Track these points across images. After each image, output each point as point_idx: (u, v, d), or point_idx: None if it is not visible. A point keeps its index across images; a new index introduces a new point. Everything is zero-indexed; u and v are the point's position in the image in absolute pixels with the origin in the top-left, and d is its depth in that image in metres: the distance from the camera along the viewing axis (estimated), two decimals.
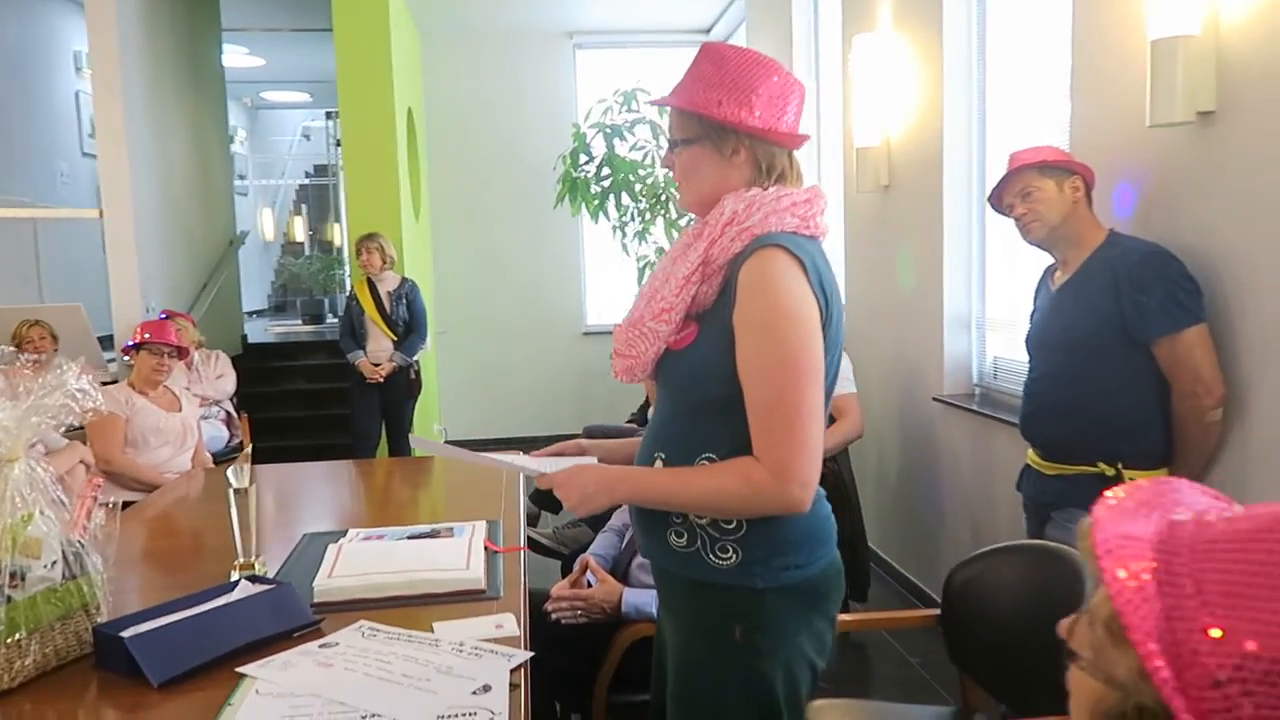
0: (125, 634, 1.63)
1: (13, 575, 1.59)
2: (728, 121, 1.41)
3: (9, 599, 1.58)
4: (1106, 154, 2.55)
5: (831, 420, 3.68)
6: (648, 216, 6.57)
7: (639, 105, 6.42)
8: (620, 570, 2.42)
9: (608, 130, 6.47)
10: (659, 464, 1.48)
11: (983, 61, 3.51)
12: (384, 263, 5.40)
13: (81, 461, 3.02)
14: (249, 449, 2.21)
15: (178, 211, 6.44)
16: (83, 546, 1.74)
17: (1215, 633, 0.59)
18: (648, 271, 6.58)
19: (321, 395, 7.39)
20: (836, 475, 3.61)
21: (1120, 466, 2.20)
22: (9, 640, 1.56)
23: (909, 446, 4.01)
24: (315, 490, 3.25)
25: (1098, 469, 2.24)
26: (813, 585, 1.45)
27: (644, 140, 6.54)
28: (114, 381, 4.47)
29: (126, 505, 3.09)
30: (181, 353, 3.82)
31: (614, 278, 7.54)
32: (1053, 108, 3.01)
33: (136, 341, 3.69)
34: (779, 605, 1.44)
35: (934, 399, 3.66)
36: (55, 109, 7.30)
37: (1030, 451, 2.45)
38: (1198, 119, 2.18)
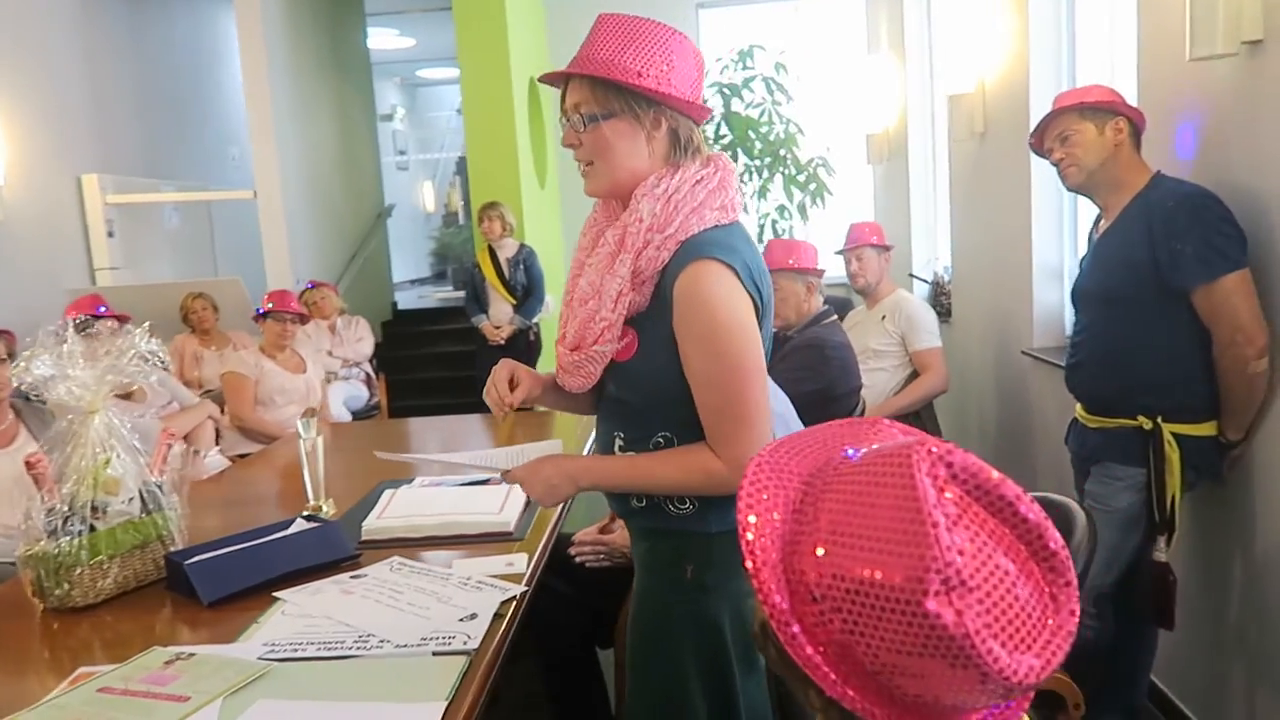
0: (187, 561, 1.90)
1: (95, 509, 1.89)
2: (652, 91, 1.37)
3: (92, 528, 1.87)
4: (1164, 91, 2.41)
5: (915, 374, 3.64)
6: (765, 174, 6.55)
7: (754, 62, 6.39)
8: None
9: (725, 90, 6.47)
10: (617, 443, 1.54)
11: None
12: (504, 230, 5.66)
13: (210, 416, 3.41)
14: (315, 408, 2.46)
15: (325, 189, 6.95)
16: (159, 487, 2.02)
17: (820, 551, 0.65)
18: (768, 230, 6.58)
19: (464, 357, 7.81)
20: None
21: (1160, 420, 2.12)
22: (92, 563, 1.85)
23: (1000, 401, 3.90)
24: (425, 443, 3.53)
25: (1137, 423, 2.16)
26: None
27: (761, 97, 6.50)
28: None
29: (242, 456, 3.47)
30: (304, 319, 4.20)
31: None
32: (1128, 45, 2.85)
33: (264, 310, 4.09)
34: (728, 546, 1.50)
35: (1023, 352, 3.55)
36: (225, 98, 7.98)
37: (1078, 405, 2.38)
38: (1244, 49, 2.04)
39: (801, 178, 6.48)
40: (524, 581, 1.85)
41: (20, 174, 5.56)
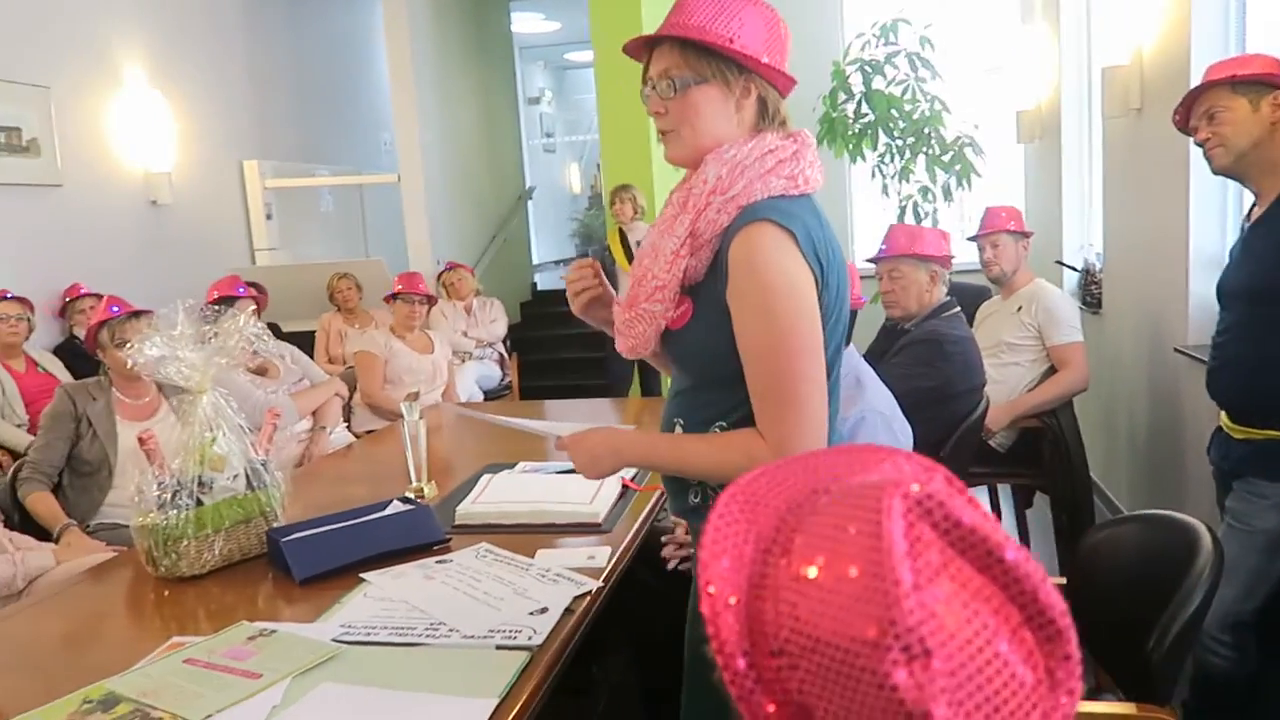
0: (283, 539, 1.97)
1: (202, 484, 1.98)
2: (745, 57, 1.33)
3: (199, 502, 1.97)
4: None
5: (1052, 370, 3.40)
6: (908, 155, 6.27)
7: (896, 37, 6.11)
8: None
9: (867, 67, 6.23)
10: (678, 429, 1.49)
11: None
12: (635, 213, 5.66)
13: (337, 394, 3.56)
14: (416, 391, 2.51)
15: (467, 172, 7.13)
16: (264, 465, 2.11)
17: (783, 601, 0.59)
18: (909, 212, 6.32)
19: (599, 338, 7.89)
20: (1055, 431, 3.35)
21: None
22: (197, 536, 1.95)
23: (1151, 403, 3.60)
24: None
25: None
26: None
27: (904, 74, 6.22)
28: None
29: (369, 432, 3.60)
30: (431, 300, 4.32)
31: (879, 218, 7.28)
32: None
33: (394, 292, 4.23)
34: None
35: (1176, 350, 3.25)
36: (377, 86, 8.29)
37: (1221, 413, 2.15)
38: None
39: (946, 158, 6.18)
40: (602, 577, 1.83)
41: (188, 160, 5.96)
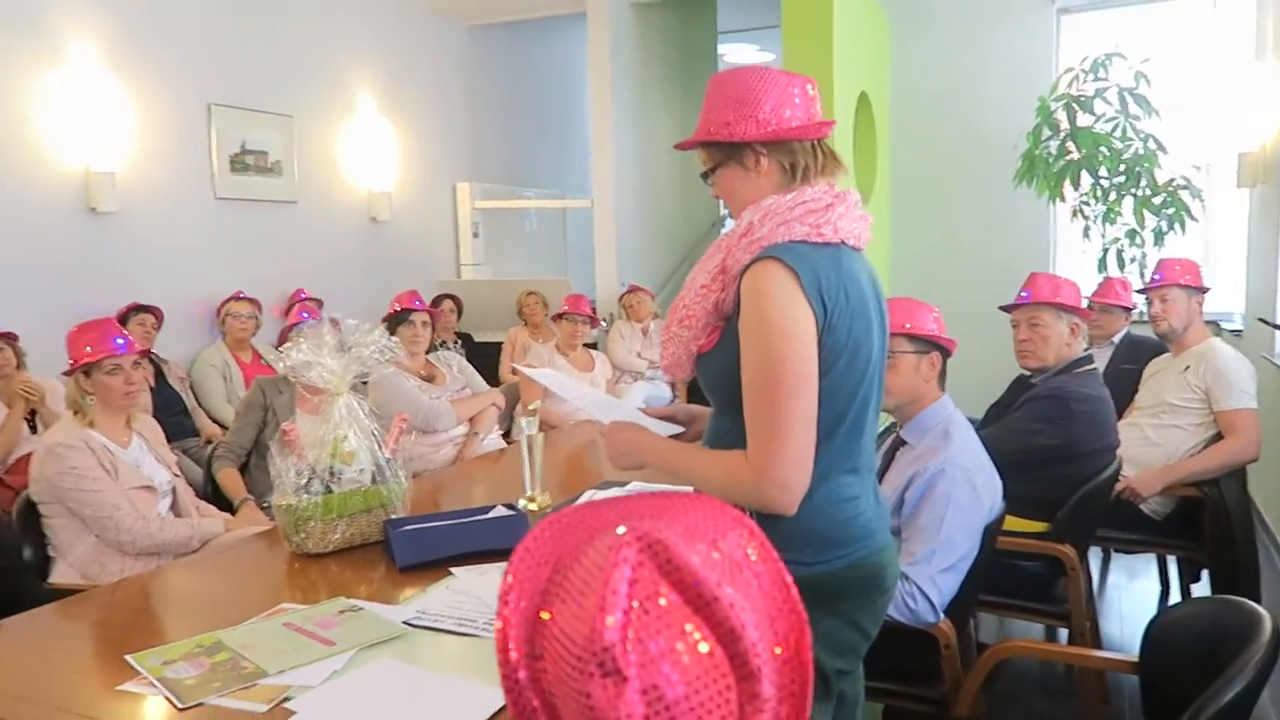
0: (394, 529, 2.22)
1: (332, 474, 2.27)
2: (739, 138, 1.49)
3: (329, 490, 2.26)
4: None
5: (1218, 437, 3.15)
6: (1113, 196, 5.92)
7: (1107, 71, 5.80)
8: None
9: (1073, 103, 5.95)
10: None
11: None
12: None
13: (494, 404, 3.85)
14: (536, 405, 2.71)
15: (658, 199, 7.40)
16: (389, 462, 2.37)
17: (545, 615, 0.70)
18: (1111, 256, 5.97)
19: None
20: (1216, 502, 3.10)
21: None
22: (324, 519, 2.23)
23: None
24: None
25: None
26: (819, 584, 1.47)
27: (1114, 111, 5.88)
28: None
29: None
30: (594, 321, 4.56)
31: (1082, 261, 6.88)
32: None
33: (561, 312, 4.51)
34: (823, 584, 1.48)
35: None
36: (585, 112, 8.76)
37: None
38: None
39: (1158, 200, 5.78)
40: None
41: (407, 182, 6.58)
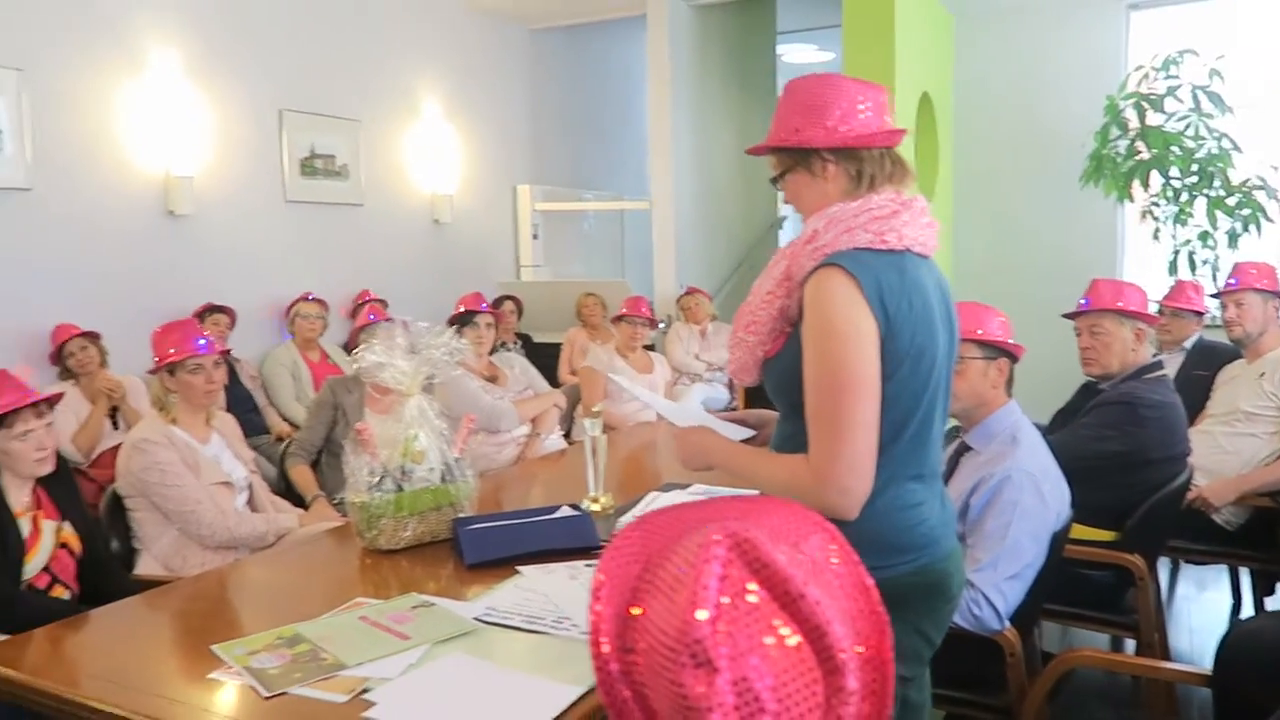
0: (462, 527, 2.28)
1: (403, 473, 2.33)
2: (807, 144, 1.52)
3: (400, 488, 2.32)
4: None
5: None
6: (1184, 197, 5.79)
7: (1179, 69, 5.67)
8: None
9: (1143, 101, 5.83)
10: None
11: None
12: None
13: (555, 405, 3.91)
14: (600, 407, 2.75)
15: (717, 200, 7.41)
16: (458, 462, 2.43)
17: (641, 606, 0.74)
18: (1182, 258, 5.83)
19: None
20: None
21: None
22: (395, 517, 2.30)
23: None
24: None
25: None
26: (882, 589, 1.47)
27: (1187, 109, 5.75)
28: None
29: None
30: (652, 323, 4.59)
31: (1151, 264, 6.72)
32: None
33: (620, 314, 4.55)
34: (893, 589, 1.50)
35: None
36: (643, 114, 8.80)
37: None
38: None
39: (1231, 201, 5.64)
40: None
41: (469, 184, 6.68)
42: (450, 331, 2.41)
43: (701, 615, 0.65)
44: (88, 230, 4.37)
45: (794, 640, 0.66)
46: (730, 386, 6.19)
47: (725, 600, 0.66)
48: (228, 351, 2.85)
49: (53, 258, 4.23)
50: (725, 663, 0.64)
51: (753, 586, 0.68)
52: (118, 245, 4.50)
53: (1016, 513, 2.02)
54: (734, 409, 5.99)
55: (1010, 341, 2.23)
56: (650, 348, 5.39)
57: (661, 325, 6.44)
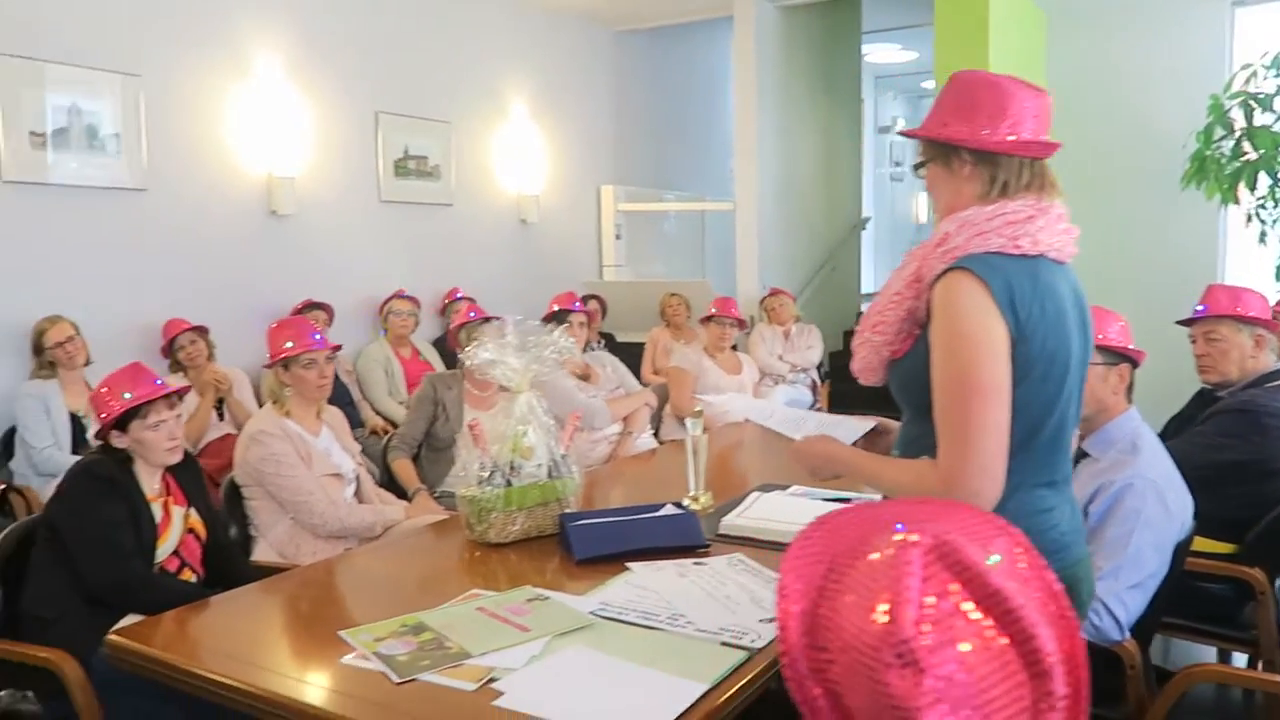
0: (571, 523, 2.31)
1: (513, 468, 2.38)
2: (950, 140, 1.51)
3: (509, 483, 2.36)
4: None
5: None
6: None
7: None
8: None
9: (1250, 100, 5.62)
10: (893, 455, 1.64)
11: None
12: None
13: (646, 404, 3.94)
14: (700, 409, 2.76)
15: (801, 200, 7.37)
16: (564, 458, 2.47)
17: (833, 606, 0.75)
18: None
19: None
20: None
21: None
22: (505, 510, 2.34)
23: None
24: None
25: None
26: None
27: None
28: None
29: (674, 441, 3.94)
30: (741, 324, 4.59)
31: (1256, 269, 6.48)
32: None
33: (709, 314, 4.56)
34: None
35: None
36: (725, 114, 8.79)
37: None
38: None
39: None
40: None
41: (554, 184, 6.76)
42: (560, 330, 2.45)
43: (906, 616, 0.66)
44: (197, 230, 4.55)
45: (1001, 642, 0.66)
46: (813, 388, 6.15)
47: (929, 601, 0.67)
48: (339, 347, 2.93)
49: (164, 256, 4.41)
50: (931, 662, 0.65)
51: (955, 588, 0.68)
52: (224, 244, 4.66)
53: (1140, 521, 1.98)
54: (819, 410, 5.96)
55: (1131, 347, 2.18)
56: (733, 348, 5.39)
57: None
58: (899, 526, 0.75)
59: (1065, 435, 1.53)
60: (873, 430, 1.89)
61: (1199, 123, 5.92)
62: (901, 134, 1.68)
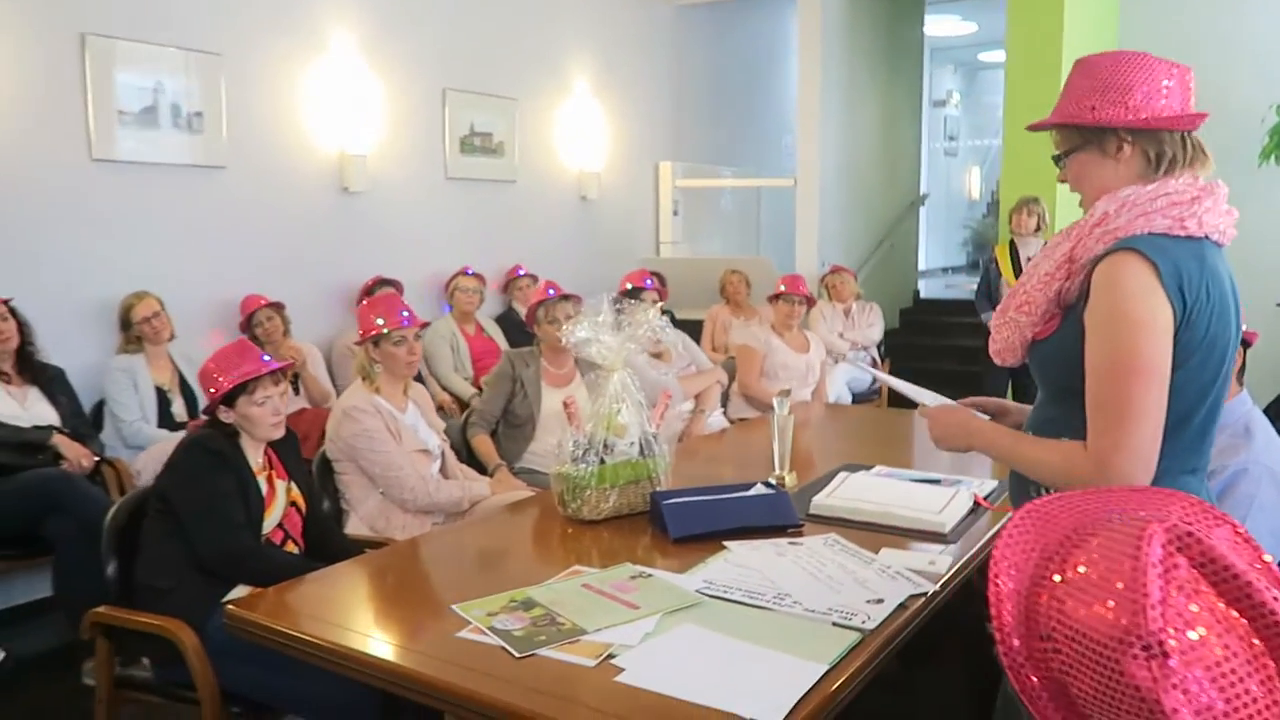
0: (665, 501, 2.32)
1: (606, 446, 2.39)
2: (1104, 123, 1.47)
3: (602, 461, 2.38)
4: None
5: None
6: None
7: None
8: None
9: None
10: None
11: None
12: (1039, 226, 5.49)
13: (718, 382, 3.94)
14: (788, 388, 2.76)
15: (860, 177, 7.29)
16: (655, 437, 2.48)
17: (1055, 595, 0.75)
18: None
19: (976, 353, 7.67)
20: None
21: None
22: (597, 488, 2.36)
23: None
24: (900, 435, 3.72)
25: None
26: None
27: None
28: None
29: (742, 420, 3.94)
30: (810, 302, 4.57)
31: None
32: None
33: (777, 292, 4.54)
34: None
35: None
36: (784, 89, 8.70)
37: None
38: None
39: None
40: (939, 582, 1.95)
41: (614, 161, 6.75)
42: (656, 309, 2.45)
43: (1150, 606, 0.66)
44: (273, 206, 4.61)
45: (1256, 643, 0.66)
46: (873, 366, 6.11)
47: (1175, 593, 0.67)
48: (427, 324, 2.96)
49: (243, 232, 4.48)
50: (1178, 655, 0.65)
51: (1193, 575, 0.68)
52: (298, 221, 4.73)
53: (1254, 507, 1.94)
54: (877, 389, 5.92)
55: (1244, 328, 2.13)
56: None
57: None
58: (1118, 515, 0.75)
59: (1213, 423, 1.51)
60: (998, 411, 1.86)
61: (1277, 96, 5.76)
62: (1032, 128, 1.62)
